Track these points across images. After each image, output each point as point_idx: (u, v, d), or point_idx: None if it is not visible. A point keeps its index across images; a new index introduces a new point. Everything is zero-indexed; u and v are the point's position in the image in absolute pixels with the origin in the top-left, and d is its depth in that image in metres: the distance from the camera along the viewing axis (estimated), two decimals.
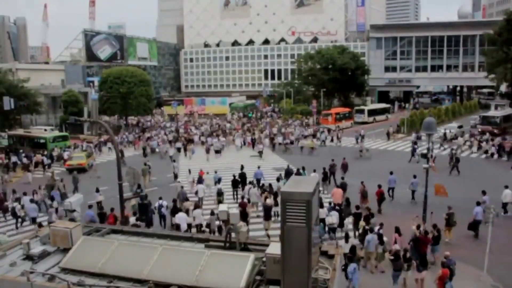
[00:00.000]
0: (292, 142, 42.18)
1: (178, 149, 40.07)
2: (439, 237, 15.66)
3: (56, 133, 45.28)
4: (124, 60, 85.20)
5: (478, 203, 18.28)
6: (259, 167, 27.37)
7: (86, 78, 74.25)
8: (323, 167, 26.78)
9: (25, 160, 35.82)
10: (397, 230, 15.91)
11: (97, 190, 23.27)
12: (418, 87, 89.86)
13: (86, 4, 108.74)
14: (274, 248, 6.63)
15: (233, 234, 8.09)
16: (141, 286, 6.75)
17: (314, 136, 46.06)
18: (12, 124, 47.13)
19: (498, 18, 61.42)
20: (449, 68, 79.80)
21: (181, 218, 18.42)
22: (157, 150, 40.62)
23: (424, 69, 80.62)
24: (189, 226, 18.77)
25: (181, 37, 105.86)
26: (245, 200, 20.62)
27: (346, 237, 15.79)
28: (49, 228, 8.45)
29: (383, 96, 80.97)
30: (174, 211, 19.18)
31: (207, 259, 7.04)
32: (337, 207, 19.22)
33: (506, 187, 20.98)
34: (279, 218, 18.42)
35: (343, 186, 22.67)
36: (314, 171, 25.81)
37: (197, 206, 19.98)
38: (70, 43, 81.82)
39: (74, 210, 19.38)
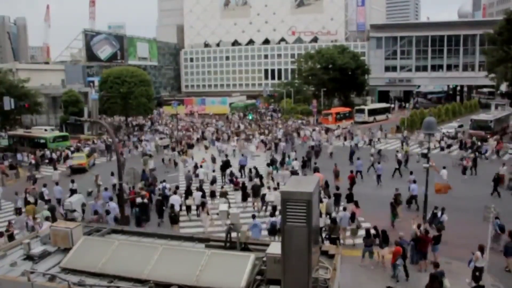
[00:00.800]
0: (313, 148, 36.39)
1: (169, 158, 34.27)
2: (440, 237, 15.68)
3: (56, 133, 45.34)
4: (124, 60, 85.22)
5: (415, 181, 22.44)
6: (242, 155, 32.91)
7: (86, 78, 74.24)
8: (302, 156, 31.54)
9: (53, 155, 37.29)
10: (355, 202, 19.73)
11: (112, 174, 25.27)
12: (418, 86, 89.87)
13: (86, 4, 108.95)
14: (275, 248, 6.64)
15: (233, 234, 8.09)
16: (141, 286, 6.76)
17: (345, 138, 43.59)
18: (12, 124, 47.17)
19: (498, 17, 61.37)
20: (449, 67, 79.76)
21: (175, 199, 20.91)
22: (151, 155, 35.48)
23: (424, 68, 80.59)
24: (189, 207, 21.97)
25: (181, 37, 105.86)
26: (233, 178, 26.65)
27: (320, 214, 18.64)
28: (50, 228, 8.46)
29: (383, 96, 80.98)
30: (188, 192, 22.83)
31: (208, 259, 7.04)
32: None
33: (414, 182, 22.87)
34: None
35: (317, 169, 26.59)
36: (295, 159, 30.31)
37: (197, 189, 22.88)
38: (70, 43, 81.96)
39: (74, 210, 19.49)
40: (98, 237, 8.52)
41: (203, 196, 21.82)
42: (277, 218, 17.02)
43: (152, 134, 51.28)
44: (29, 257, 7.82)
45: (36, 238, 8.68)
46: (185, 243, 8.42)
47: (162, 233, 9.12)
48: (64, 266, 7.36)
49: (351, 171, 26.04)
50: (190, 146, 39.70)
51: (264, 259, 6.97)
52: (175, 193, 21.83)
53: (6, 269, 7.45)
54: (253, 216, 18.00)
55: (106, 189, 23.72)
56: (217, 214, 21.44)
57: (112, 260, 7.28)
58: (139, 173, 26.31)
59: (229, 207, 19.43)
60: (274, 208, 18.84)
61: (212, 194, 23.18)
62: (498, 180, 23.93)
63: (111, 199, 21.34)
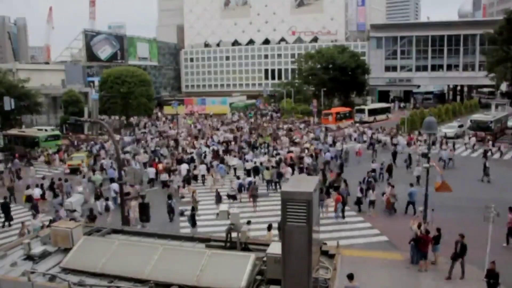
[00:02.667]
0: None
1: (152, 182, 27.72)
2: (440, 236, 15.66)
3: (48, 132, 45.65)
4: (125, 60, 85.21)
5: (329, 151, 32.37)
6: (215, 142, 39.16)
7: (87, 78, 74.26)
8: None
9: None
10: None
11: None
12: (418, 86, 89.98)
13: (86, 4, 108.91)
14: (275, 248, 6.63)
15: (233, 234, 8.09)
16: (142, 286, 6.75)
17: (441, 144, 37.00)
18: (13, 124, 47.25)
19: (498, 17, 61.39)
20: (449, 67, 79.79)
21: (183, 167, 28.12)
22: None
23: (425, 68, 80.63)
24: (195, 176, 28.36)
25: (181, 37, 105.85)
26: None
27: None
28: (50, 228, 8.45)
29: (383, 96, 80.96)
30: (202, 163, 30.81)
31: (208, 259, 7.03)
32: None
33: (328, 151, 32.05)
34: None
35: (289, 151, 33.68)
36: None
37: (202, 162, 30.42)
38: (70, 43, 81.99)
39: (74, 210, 19.53)
40: (98, 237, 8.51)
41: (207, 168, 28.91)
42: (244, 181, 24.97)
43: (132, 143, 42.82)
44: (29, 257, 7.82)
45: (36, 238, 8.68)
46: (185, 243, 8.42)
47: (162, 233, 9.11)
48: (65, 266, 7.36)
49: (314, 148, 34.70)
50: (179, 161, 31.13)
51: (264, 259, 6.97)
52: (186, 163, 29.48)
53: (7, 269, 7.46)
54: (222, 161, 30.22)
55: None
56: (217, 214, 21.80)
57: (112, 260, 7.28)
58: (140, 173, 26.47)
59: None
60: (235, 169, 29.43)
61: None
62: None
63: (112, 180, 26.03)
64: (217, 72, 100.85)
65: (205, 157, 32.43)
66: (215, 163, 29.72)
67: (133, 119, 65.12)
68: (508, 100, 65.25)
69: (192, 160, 31.35)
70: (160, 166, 29.17)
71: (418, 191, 21.19)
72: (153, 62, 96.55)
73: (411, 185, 22.26)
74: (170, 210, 21.44)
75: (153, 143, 41.63)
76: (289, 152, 32.71)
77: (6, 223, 21.51)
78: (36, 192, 23.59)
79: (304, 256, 5.90)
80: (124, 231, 9.18)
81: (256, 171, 27.64)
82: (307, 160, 29.72)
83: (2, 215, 21.91)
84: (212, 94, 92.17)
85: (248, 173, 28.01)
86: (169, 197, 21.97)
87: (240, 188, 24.38)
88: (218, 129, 51.58)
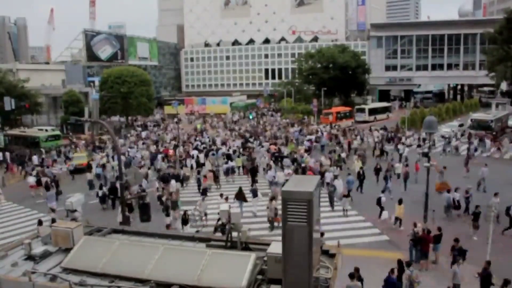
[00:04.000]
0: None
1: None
2: (441, 236, 15.66)
3: (49, 132, 45.79)
4: (125, 60, 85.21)
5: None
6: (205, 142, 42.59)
7: (87, 78, 74.30)
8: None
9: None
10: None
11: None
12: (419, 85, 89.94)
13: (86, 4, 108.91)
14: (276, 247, 6.63)
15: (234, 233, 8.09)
16: (142, 286, 6.75)
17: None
18: (13, 124, 47.32)
19: (498, 16, 61.33)
20: (449, 66, 79.71)
21: (194, 152, 34.16)
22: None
23: (425, 67, 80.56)
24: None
25: (181, 37, 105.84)
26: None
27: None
28: (51, 228, 8.46)
29: (383, 95, 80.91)
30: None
31: (209, 258, 7.03)
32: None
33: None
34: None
35: (274, 144, 37.58)
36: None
37: (208, 153, 34.60)
38: (70, 43, 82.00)
39: (75, 210, 19.52)
40: (99, 237, 8.51)
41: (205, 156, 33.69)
42: (229, 165, 29.87)
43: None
44: (30, 257, 7.82)
45: (37, 238, 8.68)
46: (186, 242, 8.41)
47: (163, 233, 9.12)
48: (65, 266, 7.35)
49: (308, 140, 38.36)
50: (176, 177, 27.35)
51: (265, 258, 6.97)
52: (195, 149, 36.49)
53: (8, 269, 7.46)
54: (216, 151, 35.50)
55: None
56: (218, 213, 21.90)
57: (113, 260, 7.27)
58: (140, 173, 26.44)
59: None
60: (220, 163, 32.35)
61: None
62: None
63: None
64: (217, 72, 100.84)
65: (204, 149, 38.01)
66: (211, 153, 34.87)
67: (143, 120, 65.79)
68: (508, 99, 65.13)
69: (198, 149, 37.06)
70: (170, 152, 35.77)
71: (354, 180, 24.20)
72: (153, 62, 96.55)
73: (349, 173, 25.49)
74: (199, 185, 25.96)
75: (138, 154, 36.98)
76: (271, 144, 36.49)
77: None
78: (31, 180, 26.87)
79: (304, 255, 5.90)
80: (125, 231, 9.18)
81: (229, 157, 32.38)
82: (332, 182, 23.88)
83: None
84: (212, 93, 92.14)
85: (226, 158, 32.53)
86: (198, 172, 27.88)
87: (227, 171, 29.50)
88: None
